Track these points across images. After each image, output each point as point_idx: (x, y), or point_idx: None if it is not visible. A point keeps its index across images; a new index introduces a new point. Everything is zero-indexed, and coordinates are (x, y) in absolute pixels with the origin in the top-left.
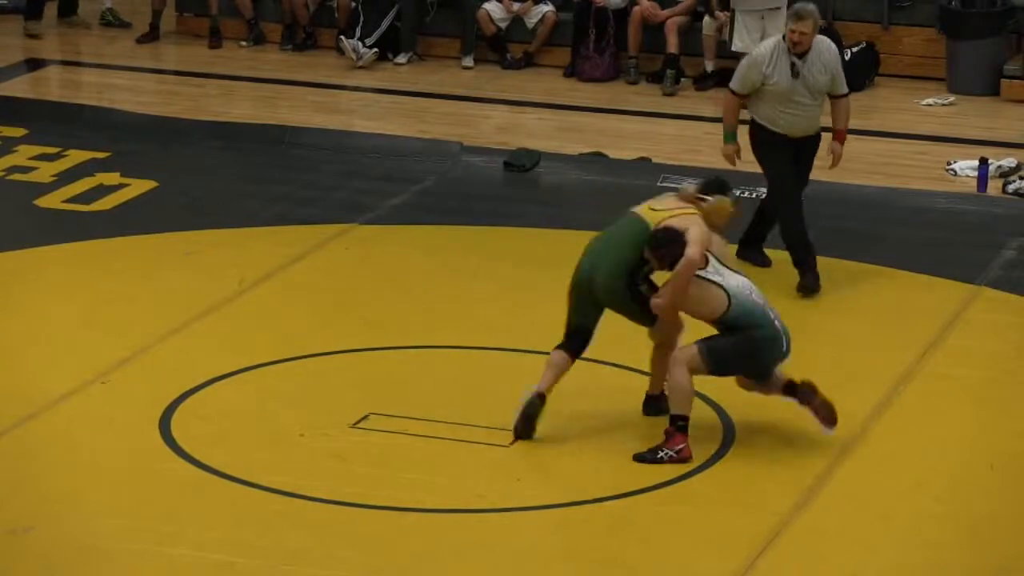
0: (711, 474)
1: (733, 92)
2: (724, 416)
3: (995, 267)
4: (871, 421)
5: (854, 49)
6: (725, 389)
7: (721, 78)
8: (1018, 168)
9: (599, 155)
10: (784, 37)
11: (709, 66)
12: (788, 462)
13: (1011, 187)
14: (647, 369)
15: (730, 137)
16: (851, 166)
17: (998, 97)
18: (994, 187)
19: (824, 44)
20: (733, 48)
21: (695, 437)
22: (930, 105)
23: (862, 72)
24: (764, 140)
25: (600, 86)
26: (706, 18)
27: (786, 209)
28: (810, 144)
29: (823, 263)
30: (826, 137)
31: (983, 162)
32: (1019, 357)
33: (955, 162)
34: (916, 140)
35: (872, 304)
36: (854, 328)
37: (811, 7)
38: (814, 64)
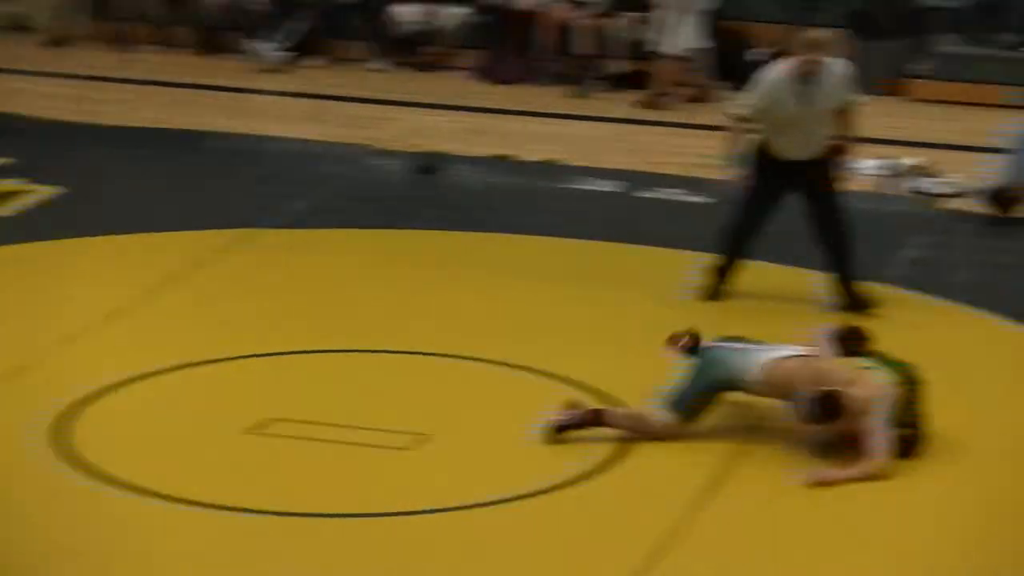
0: (609, 474)
1: (736, 116)
2: None
3: (895, 265)
4: (763, 418)
5: (763, 50)
6: (625, 388)
7: (634, 79)
8: (919, 167)
9: (508, 158)
10: (793, 63)
11: (622, 67)
12: (686, 459)
13: (912, 185)
14: (559, 373)
15: (733, 160)
16: None
17: (903, 96)
18: (896, 186)
19: (836, 66)
20: (657, 48)
21: (593, 441)
22: None
23: None
24: (761, 163)
25: (511, 88)
26: (615, 19)
27: (741, 221)
28: (816, 165)
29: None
30: None
31: (885, 161)
32: (920, 353)
33: (858, 160)
34: None
35: (771, 302)
36: (754, 324)
37: (825, 36)
38: (824, 88)
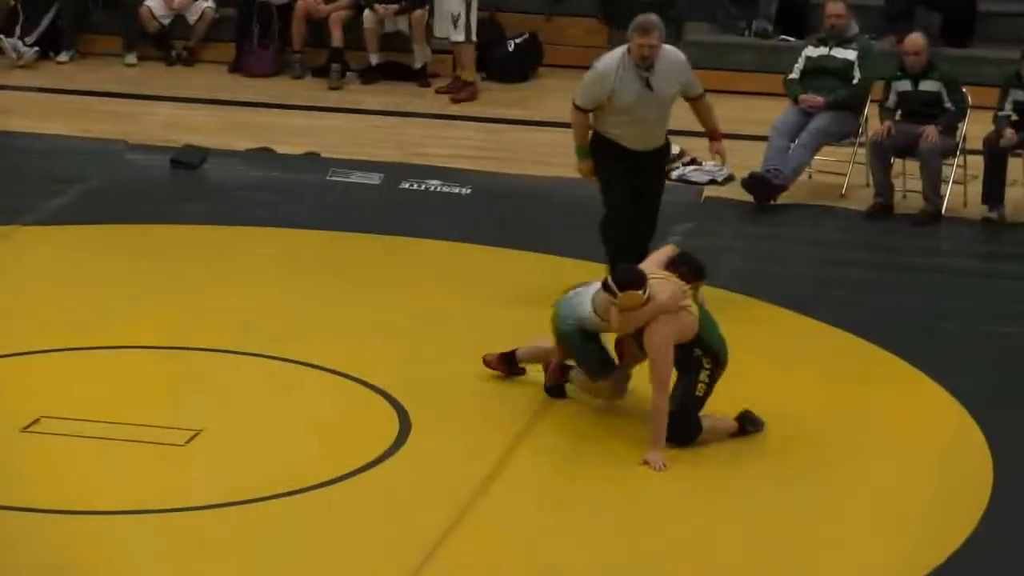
0: (390, 465)
1: (578, 107)
2: (399, 407)
3: None
4: (546, 407)
5: (517, 41)
6: (402, 380)
7: (385, 71)
8: (681, 155)
9: (266, 150)
10: (629, 50)
11: (373, 59)
12: (465, 452)
13: (675, 173)
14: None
15: (583, 152)
16: (518, 156)
17: None
18: None
19: (669, 52)
20: (436, 35)
21: (370, 432)
22: None
23: (526, 63)
24: (605, 154)
25: (265, 81)
26: (367, 11)
27: (612, 222)
28: (656, 156)
29: (496, 254)
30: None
31: None
32: None
33: None
34: None
35: (544, 291)
36: (528, 314)
37: (655, 18)
38: (661, 75)
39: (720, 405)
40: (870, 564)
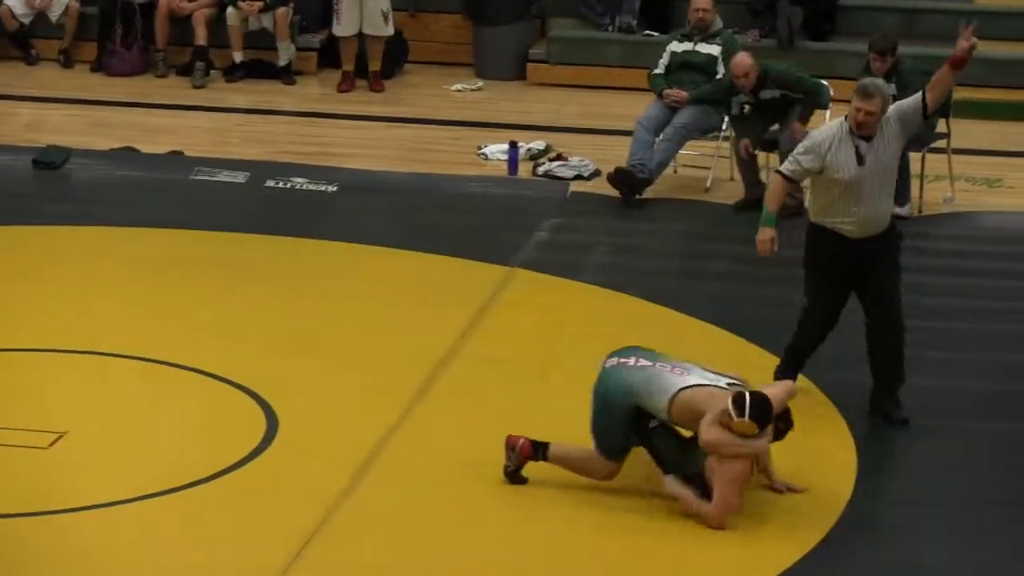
0: (255, 466)
1: (784, 176)
2: (266, 406)
3: (528, 248)
4: (414, 404)
5: None
6: (269, 380)
7: (249, 69)
8: (547, 150)
9: (130, 150)
10: (847, 117)
11: (237, 57)
12: (332, 450)
13: (541, 169)
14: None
15: (768, 220)
16: (385, 153)
17: (524, 81)
18: (525, 169)
19: (891, 114)
20: (334, 33)
21: (238, 432)
22: (459, 90)
23: (392, 60)
24: (815, 243)
25: (129, 80)
26: (230, 9)
27: (805, 323)
28: (877, 246)
29: (362, 251)
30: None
31: (513, 145)
32: (554, 335)
33: (486, 146)
34: (447, 125)
35: (412, 289)
36: (396, 312)
37: (880, 83)
38: (881, 143)
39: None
40: (729, 561)
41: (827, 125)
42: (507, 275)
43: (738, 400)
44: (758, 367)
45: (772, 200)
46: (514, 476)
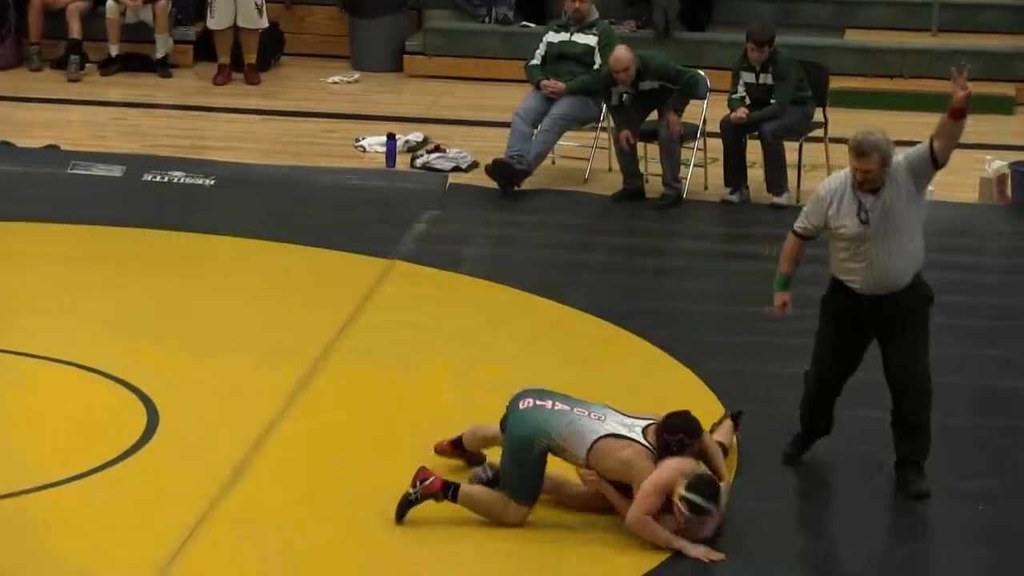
0: (135, 461)
1: (796, 235)
2: (147, 401)
3: (407, 240)
4: (293, 399)
5: None
6: (149, 374)
7: (125, 62)
8: (425, 142)
9: (6, 144)
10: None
11: (113, 50)
12: (213, 445)
13: (419, 161)
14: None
15: (781, 284)
16: (262, 146)
17: (402, 73)
18: (403, 162)
19: (900, 163)
20: (208, 26)
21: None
22: (336, 83)
23: (267, 52)
24: (829, 299)
25: (3, 74)
26: (110, 2)
27: (809, 390)
28: (895, 308)
29: (241, 245)
30: None
31: (391, 137)
32: (433, 326)
33: (363, 138)
34: (324, 118)
35: (291, 282)
36: (276, 306)
37: (875, 138)
38: (891, 194)
39: (474, 389)
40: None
41: (834, 176)
42: (387, 268)
43: (691, 493)
44: (637, 358)
45: (785, 261)
46: (407, 507)
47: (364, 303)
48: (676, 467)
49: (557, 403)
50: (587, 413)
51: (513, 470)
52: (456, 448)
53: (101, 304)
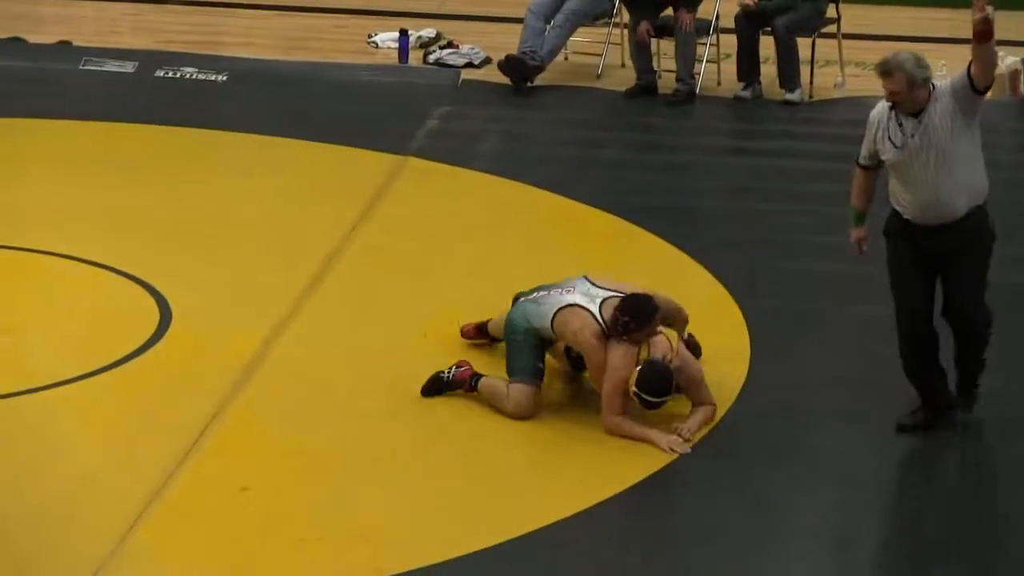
0: (147, 358)
1: (858, 165)
2: (160, 298)
3: (420, 137)
4: (306, 295)
5: None
6: (162, 272)
7: None
8: (438, 38)
9: (18, 39)
10: None
11: None
12: (226, 342)
13: (432, 57)
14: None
15: (856, 218)
16: (275, 42)
17: None
18: (415, 58)
19: (943, 89)
20: None
21: (131, 323)
22: None
23: None
24: (889, 230)
25: None
26: None
27: (901, 337)
28: (949, 241)
29: (255, 141)
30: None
31: (403, 33)
32: (446, 222)
33: (376, 34)
34: (336, 13)
35: (303, 179)
36: (289, 203)
37: (901, 57)
38: (932, 118)
39: (487, 284)
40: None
41: (881, 101)
42: (400, 164)
43: (641, 390)
44: (649, 253)
45: (856, 195)
46: (436, 384)
47: (376, 199)
48: (621, 362)
49: (541, 291)
50: (560, 289)
51: (508, 352)
52: (481, 333)
53: (113, 201)
